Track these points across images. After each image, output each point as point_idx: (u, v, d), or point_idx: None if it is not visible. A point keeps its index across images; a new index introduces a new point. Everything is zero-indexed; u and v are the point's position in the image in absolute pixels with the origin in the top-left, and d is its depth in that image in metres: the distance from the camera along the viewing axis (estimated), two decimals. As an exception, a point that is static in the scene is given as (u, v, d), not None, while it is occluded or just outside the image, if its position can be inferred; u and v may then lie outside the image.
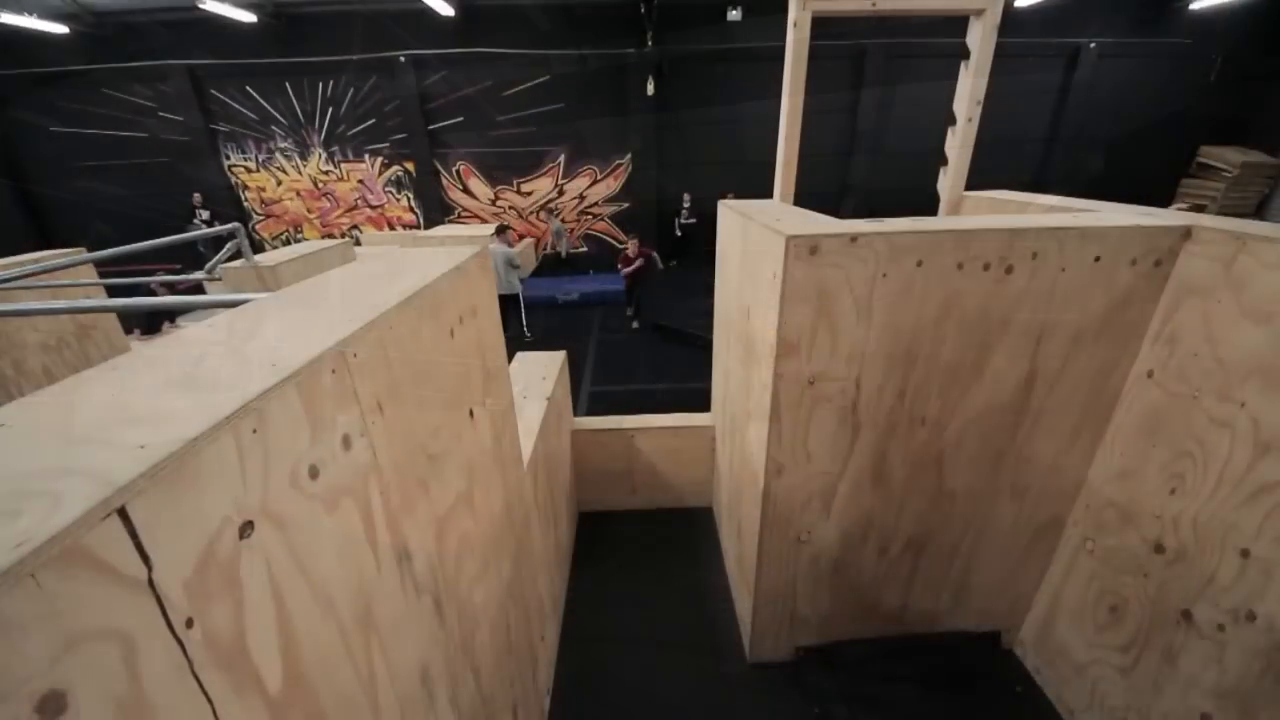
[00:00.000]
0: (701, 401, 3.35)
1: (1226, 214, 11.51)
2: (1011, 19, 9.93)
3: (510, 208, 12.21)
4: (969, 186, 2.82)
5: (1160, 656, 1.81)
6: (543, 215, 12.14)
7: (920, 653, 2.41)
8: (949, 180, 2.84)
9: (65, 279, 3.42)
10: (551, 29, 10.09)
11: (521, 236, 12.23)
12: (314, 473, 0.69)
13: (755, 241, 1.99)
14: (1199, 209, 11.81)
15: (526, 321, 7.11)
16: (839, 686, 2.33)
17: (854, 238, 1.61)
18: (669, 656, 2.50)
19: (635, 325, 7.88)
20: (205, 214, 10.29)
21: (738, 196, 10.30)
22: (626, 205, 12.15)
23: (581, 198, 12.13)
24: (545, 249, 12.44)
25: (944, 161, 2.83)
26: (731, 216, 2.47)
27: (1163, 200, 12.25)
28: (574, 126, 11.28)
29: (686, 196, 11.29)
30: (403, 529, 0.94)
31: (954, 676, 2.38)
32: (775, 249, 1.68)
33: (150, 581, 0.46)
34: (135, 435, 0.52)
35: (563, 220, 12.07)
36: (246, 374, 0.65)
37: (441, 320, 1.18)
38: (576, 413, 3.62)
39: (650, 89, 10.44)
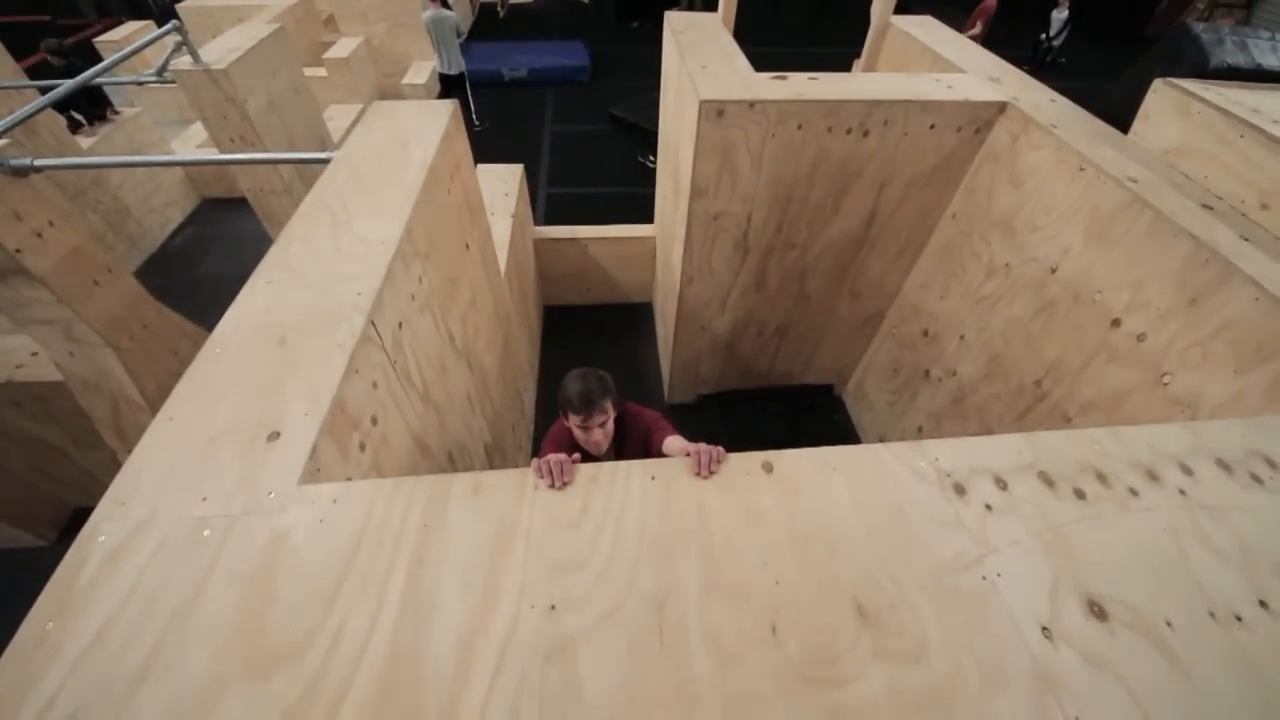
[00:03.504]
0: (651, 207, 3.85)
1: (1219, 5, 10.85)
2: None
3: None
4: None
5: (909, 396, 2.95)
6: None
7: (780, 397, 3.60)
8: (880, 5, 3.01)
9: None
10: None
11: (454, -17, 10.28)
12: (413, 296, 1.37)
13: (684, 87, 2.35)
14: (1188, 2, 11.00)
15: (474, 106, 6.79)
16: (725, 418, 3.53)
17: (752, 104, 2.07)
18: (612, 401, 3.61)
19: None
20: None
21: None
22: (581, -56, 10.14)
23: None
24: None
25: (881, -16, 2.96)
26: (672, 42, 2.68)
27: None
28: None
29: (652, -63, 9.50)
30: (448, 322, 1.66)
31: (800, 410, 3.62)
32: (692, 108, 2.12)
33: (382, 346, 1.18)
34: (350, 286, 1.17)
35: None
36: (375, 248, 1.26)
37: (441, 183, 1.71)
38: (536, 220, 4.12)
39: None
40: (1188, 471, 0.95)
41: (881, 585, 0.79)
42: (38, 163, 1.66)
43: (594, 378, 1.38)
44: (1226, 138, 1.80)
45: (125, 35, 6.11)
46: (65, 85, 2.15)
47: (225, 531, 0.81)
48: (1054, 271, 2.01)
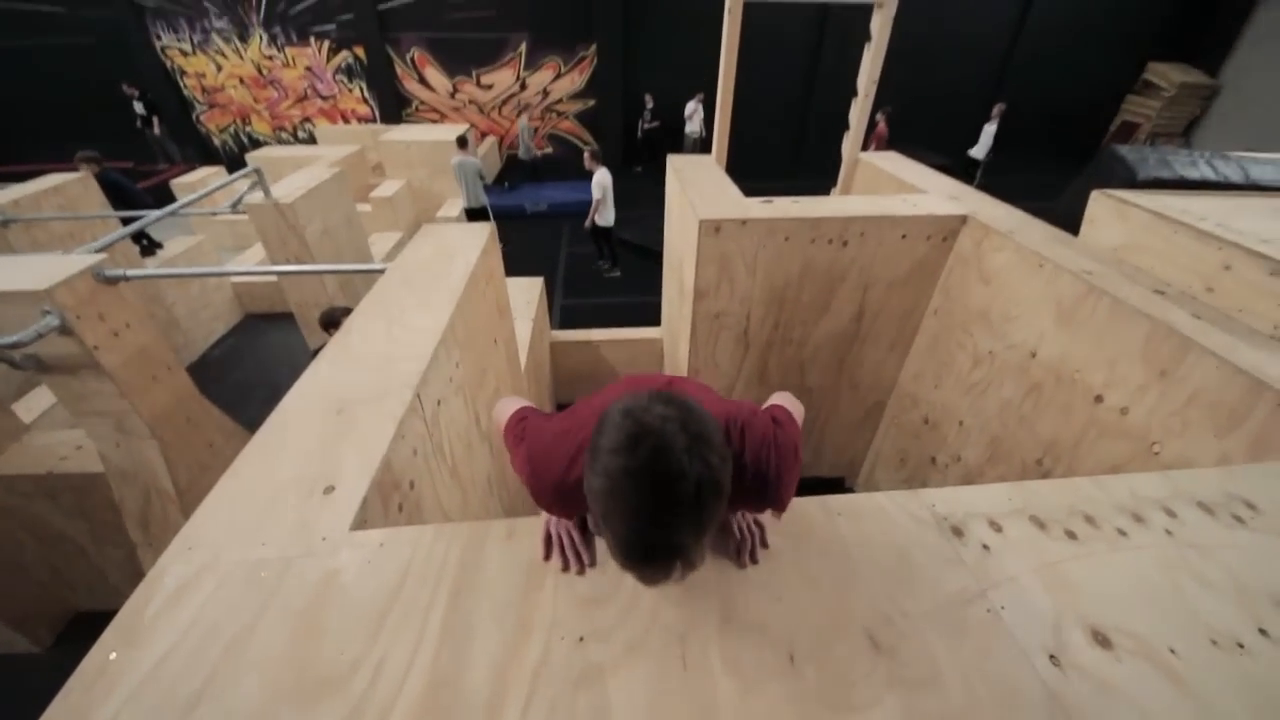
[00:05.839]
0: (656, 314, 4.18)
1: (1159, 133, 12.24)
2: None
3: (470, 102, 11.81)
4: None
5: (919, 484, 2.96)
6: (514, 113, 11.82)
7: (791, 491, 3.58)
8: (849, 144, 3.54)
9: (78, 207, 3.81)
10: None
11: (483, 135, 11.98)
12: (450, 379, 1.53)
13: (685, 210, 2.72)
14: (1134, 127, 12.55)
15: (499, 234, 7.58)
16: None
17: (744, 221, 2.39)
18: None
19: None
20: (142, 107, 9.69)
21: (705, 102, 10.10)
22: (592, 103, 11.91)
23: (546, 93, 11.79)
24: (508, 150, 12.26)
25: (847, 127, 3.51)
26: (674, 177, 3.15)
27: (1108, 116, 12.83)
28: (535, 12, 10.72)
29: (649, 98, 11.19)
30: (476, 406, 1.80)
31: (812, 506, 3.59)
32: (693, 226, 2.45)
33: (424, 418, 1.31)
34: (401, 366, 1.33)
35: (531, 120, 11.72)
36: (423, 335, 1.45)
37: (479, 287, 1.95)
38: (552, 326, 4.43)
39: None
40: (1171, 514, 1.01)
41: (891, 618, 0.84)
42: (130, 273, 1.94)
43: (679, 488, 0.59)
44: (1164, 234, 2.06)
45: (200, 178, 7.07)
46: (153, 214, 2.54)
47: (281, 572, 0.88)
48: (1034, 355, 2.17)
